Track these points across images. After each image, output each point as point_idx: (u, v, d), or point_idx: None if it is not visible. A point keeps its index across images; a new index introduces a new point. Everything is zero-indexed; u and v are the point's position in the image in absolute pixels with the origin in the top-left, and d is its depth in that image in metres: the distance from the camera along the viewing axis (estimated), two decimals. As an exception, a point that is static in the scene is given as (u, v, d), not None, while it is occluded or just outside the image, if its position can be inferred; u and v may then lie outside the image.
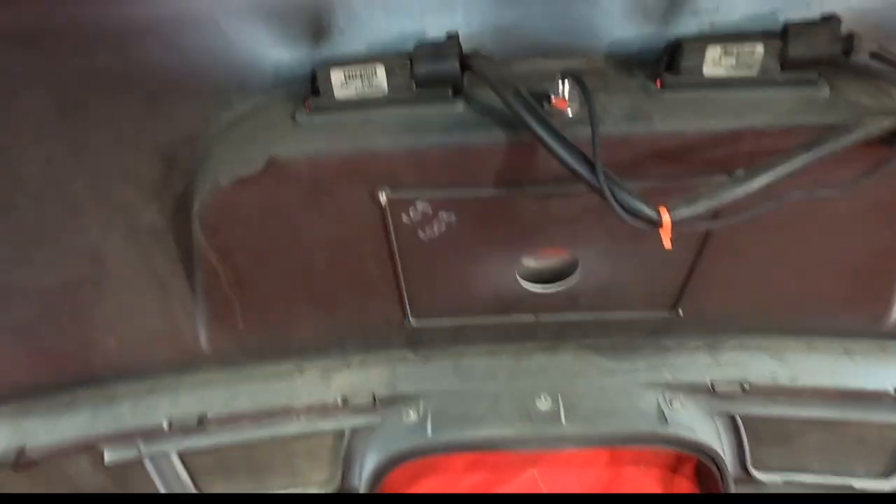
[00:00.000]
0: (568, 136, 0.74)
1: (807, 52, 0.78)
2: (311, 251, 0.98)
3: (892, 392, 1.15)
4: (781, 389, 1.17)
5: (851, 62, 0.83)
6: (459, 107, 0.83)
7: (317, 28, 0.82)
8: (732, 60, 0.80)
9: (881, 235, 0.95)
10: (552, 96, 0.80)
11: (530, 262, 1.08)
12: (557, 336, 1.28)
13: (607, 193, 0.70)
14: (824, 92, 0.81)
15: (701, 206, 0.71)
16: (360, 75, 0.81)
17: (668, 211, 0.71)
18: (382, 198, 0.86)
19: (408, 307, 1.09)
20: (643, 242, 0.94)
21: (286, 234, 0.94)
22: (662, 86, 0.82)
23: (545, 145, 0.74)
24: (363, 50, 0.86)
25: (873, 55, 0.80)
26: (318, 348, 1.24)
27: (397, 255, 0.97)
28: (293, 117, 0.83)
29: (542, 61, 0.90)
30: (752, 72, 0.81)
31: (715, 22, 0.85)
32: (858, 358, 1.21)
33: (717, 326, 1.23)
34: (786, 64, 0.79)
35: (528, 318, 1.13)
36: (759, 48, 0.79)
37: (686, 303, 1.09)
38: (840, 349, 1.23)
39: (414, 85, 0.82)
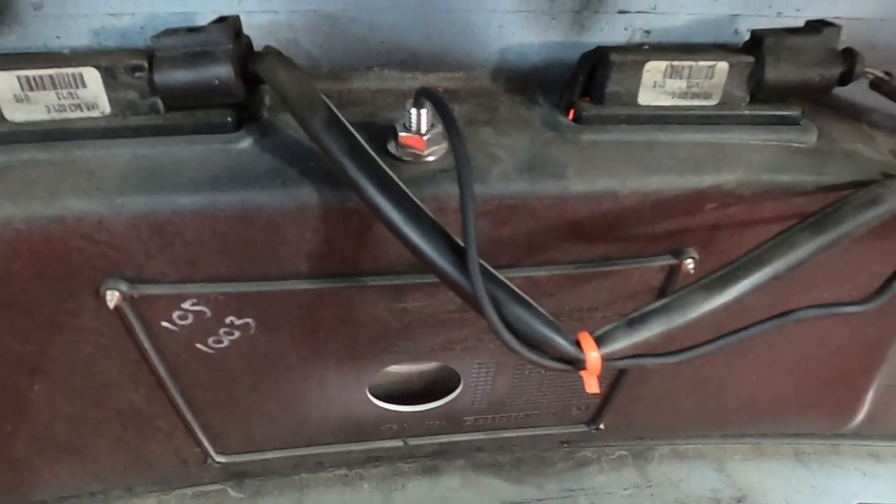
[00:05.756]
0: (422, 198, 0.41)
1: (790, 76, 0.50)
2: (31, 376, 0.58)
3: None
4: (728, 517, 0.90)
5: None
6: (244, 144, 0.48)
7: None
8: (682, 84, 0.51)
9: (866, 332, 0.70)
10: (400, 131, 0.47)
11: (395, 369, 0.74)
12: (441, 453, 0.94)
13: (489, 310, 0.38)
14: (811, 135, 0.54)
15: (649, 331, 0.39)
16: (55, 84, 0.45)
17: (598, 344, 0.39)
18: (111, 297, 0.49)
19: (205, 442, 0.71)
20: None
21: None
22: (577, 119, 0.52)
23: (378, 213, 0.40)
24: (77, 41, 0.50)
25: (875, 84, 0.54)
26: (85, 494, 0.83)
27: (167, 378, 0.59)
28: None
29: (397, 75, 0.58)
30: (711, 101, 0.52)
31: (651, 27, 0.57)
32: (813, 465, 0.97)
33: (648, 434, 0.94)
34: (759, 92, 0.52)
35: (392, 443, 0.78)
36: (723, 67, 0.51)
37: (610, 416, 0.79)
38: (791, 454, 0.99)
39: (161, 105, 0.46)
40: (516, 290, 0.40)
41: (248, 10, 0.52)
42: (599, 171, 0.48)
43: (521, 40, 0.57)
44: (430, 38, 0.55)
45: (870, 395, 0.84)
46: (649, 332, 0.39)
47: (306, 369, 0.62)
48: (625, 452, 0.97)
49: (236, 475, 0.89)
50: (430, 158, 0.48)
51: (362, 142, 0.42)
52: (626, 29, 0.57)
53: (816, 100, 0.58)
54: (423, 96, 0.44)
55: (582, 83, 0.53)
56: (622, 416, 0.80)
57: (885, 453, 0.99)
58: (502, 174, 0.47)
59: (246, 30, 0.51)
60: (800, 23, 0.56)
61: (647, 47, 0.53)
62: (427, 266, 0.40)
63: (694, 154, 0.51)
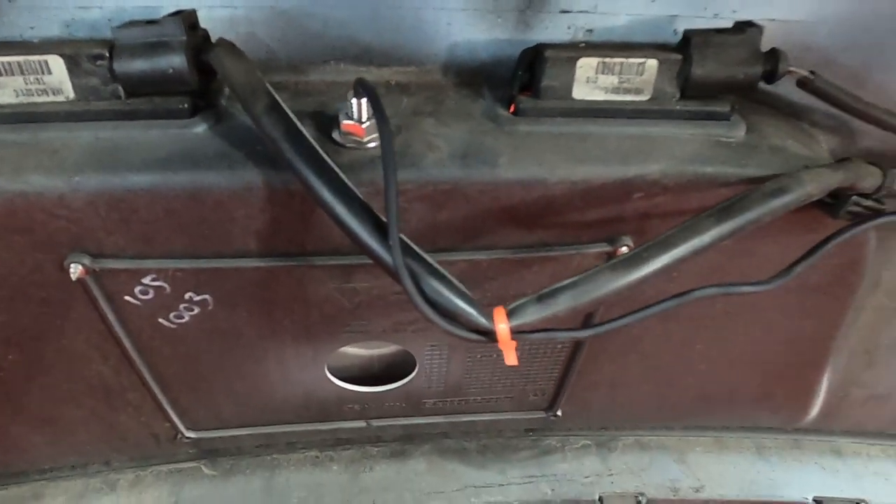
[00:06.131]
0: (360, 181, 0.45)
1: (716, 73, 0.53)
2: (3, 346, 0.62)
3: (812, 505, 0.93)
4: (685, 505, 0.92)
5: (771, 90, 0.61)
6: (199, 129, 0.51)
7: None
8: (614, 80, 0.54)
9: (807, 324, 0.72)
10: (342, 119, 0.50)
11: (354, 351, 0.77)
12: (408, 437, 0.97)
13: (406, 280, 0.41)
14: (739, 130, 0.57)
15: (557, 306, 0.43)
16: (22, 70, 0.48)
17: (508, 315, 0.42)
18: (74, 270, 0.52)
19: (174, 418, 0.75)
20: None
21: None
22: (516, 112, 0.55)
23: (312, 193, 0.44)
24: (49, 32, 0.53)
25: (802, 82, 0.56)
26: (65, 467, 0.86)
27: (132, 351, 0.63)
28: None
29: (352, 69, 0.61)
30: (643, 97, 0.55)
31: (594, 27, 0.60)
32: (773, 459, 0.99)
33: (610, 423, 0.97)
34: (688, 88, 0.55)
35: (355, 425, 0.82)
36: (652, 64, 0.54)
37: (567, 402, 0.82)
38: (752, 447, 1.01)
39: (121, 91, 0.50)
40: (435, 265, 0.43)
41: (209, 6, 0.55)
42: (530, 160, 0.52)
43: (469, 37, 0.60)
44: (382, 33, 0.58)
45: (822, 390, 0.87)
46: (557, 306, 0.42)
47: (265, 347, 0.66)
48: (589, 442, 1.00)
49: (210, 453, 0.93)
50: (371, 145, 0.51)
51: (299, 126, 0.46)
52: (569, 28, 0.60)
53: (748, 97, 0.61)
54: (359, 87, 0.48)
55: (521, 78, 0.56)
56: (579, 403, 0.83)
57: (846, 449, 1.01)
58: (437, 161, 0.50)
59: (207, 23, 0.55)
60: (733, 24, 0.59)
61: (583, 45, 0.56)
62: (354, 241, 0.43)
63: (623, 145, 0.54)
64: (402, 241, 0.42)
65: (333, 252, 0.55)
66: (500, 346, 0.43)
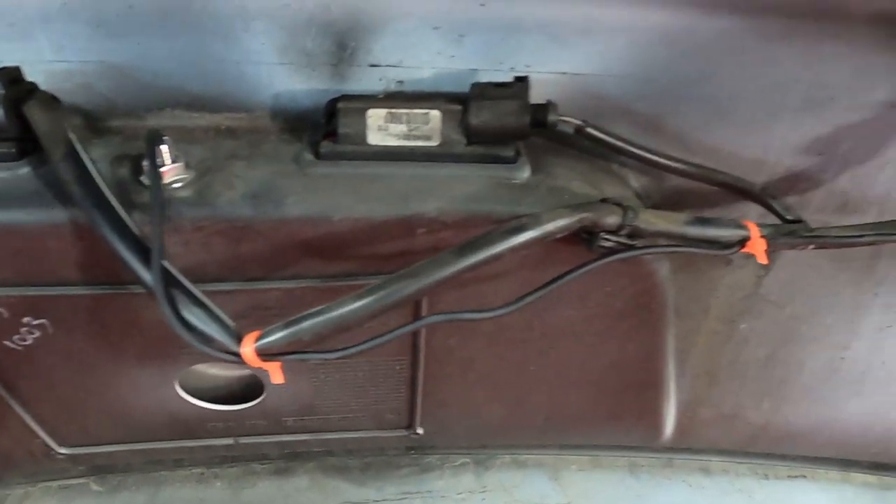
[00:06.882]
0: (168, 216, 0.51)
1: (491, 122, 0.60)
2: None
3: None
4: (550, 522, 0.97)
5: (562, 137, 0.68)
6: (23, 171, 0.58)
7: None
8: (404, 128, 0.61)
9: (629, 348, 0.78)
10: (145, 162, 0.57)
11: (216, 371, 0.82)
12: (294, 455, 1.02)
13: (164, 305, 0.47)
14: (523, 172, 0.63)
15: (302, 331, 0.48)
16: None
17: (259, 339, 0.48)
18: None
19: (42, 434, 0.80)
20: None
21: None
22: (319, 156, 0.62)
23: (96, 230, 0.50)
24: None
25: (577, 131, 0.63)
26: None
27: (-15, 371, 0.68)
28: None
29: (187, 115, 0.67)
30: (432, 142, 0.62)
31: (404, 78, 0.67)
32: (644, 477, 1.04)
33: (488, 441, 1.02)
34: (471, 135, 0.61)
35: (224, 441, 0.86)
36: (436, 114, 0.61)
37: (425, 421, 0.87)
38: (626, 465, 1.06)
39: (-48, 137, 0.57)
40: (196, 292, 0.49)
41: (46, 60, 0.62)
42: (318, 199, 0.58)
43: (291, 87, 0.66)
44: (209, 84, 0.65)
45: (670, 410, 0.92)
46: (303, 330, 0.48)
47: (112, 368, 0.71)
48: (467, 460, 1.05)
49: (98, 469, 0.97)
50: (176, 185, 0.57)
51: (91, 171, 0.52)
52: (381, 79, 0.66)
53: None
54: (151, 136, 0.54)
55: (325, 126, 0.62)
56: (436, 422, 0.88)
57: (715, 468, 1.06)
58: (230, 200, 0.57)
59: (43, 76, 0.61)
60: (530, 77, 0.66)
61: (381, 96, 0.63)
62: (129, 271, 0.49)
63: (409, 186, 0.60)
64: (166, 271, 0.48)
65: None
66: (252, 365, 0.48)
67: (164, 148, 0.56)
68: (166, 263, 0.49)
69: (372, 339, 0.51)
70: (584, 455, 1.05)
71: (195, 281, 0.60)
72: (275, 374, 0.51)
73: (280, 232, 0.58)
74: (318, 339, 0.49)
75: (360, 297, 0.49)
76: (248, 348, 0.47)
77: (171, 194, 0.57)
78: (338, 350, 0.50)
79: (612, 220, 0.56)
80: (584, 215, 0.54)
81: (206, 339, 0.48)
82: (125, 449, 0.86)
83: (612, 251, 0.57)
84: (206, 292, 0.60)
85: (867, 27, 0.63)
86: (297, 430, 0.87)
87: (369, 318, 0.49)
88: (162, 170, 0.56)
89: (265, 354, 0.48)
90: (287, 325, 0.48)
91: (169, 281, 0.48)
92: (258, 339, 0.48)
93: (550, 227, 0.53)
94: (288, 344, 0.48)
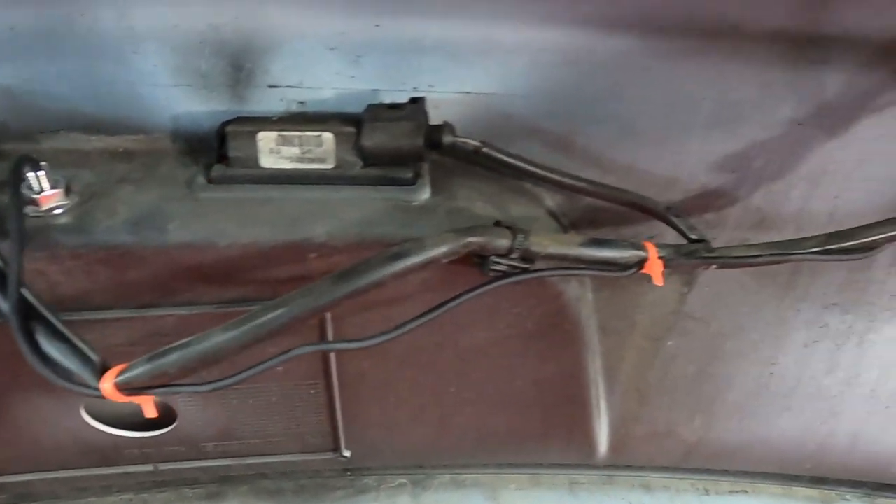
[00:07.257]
0: (37, 248, 0.49)
1: (385, 144, 0.59)
2: None
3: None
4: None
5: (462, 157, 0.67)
6: None
7: None
8: (297, 150, 0.60)
9: (548, 367, 0.77)
10: (25, 191, 0.55)
11: (132, 398, 0.80)
12: (226, 479, 1.00)
13: (17, 332, 0.45)
14: (422, 194, 0.62)
15: (166, 364, 0.47)
16: None
17: (122, 374, 0.47)
18: None
19: (-50, 465, 0.77)
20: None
21: None
22: (210, 179, 0.60)
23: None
24: None
25: (477, 151, 0.62)
26: None
27: None
28: None
29: (84, 137, 0.66)
30: (327, 165, 0.61)
31: (305, 99, 0.66)
32: (583, 495, 1.03)
33: (419, 462, 1.00)
34: (366, 157, 0.60)
35: (144, 468, 0.84)
36: (328, 136, 0.60)
37: (350, 444, 0.85)
38: (566, 484, 1.04)
39: None
40: (59, 326, 0.47)
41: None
42: (203, 225, 0.57)
43: (190, 109, 0.65)
44: (103, 106, 0.64)
45: (602, 427, 0.91)
46: (166, 363, 0.47)
47: (13, 396, 0.69)
48: (405, 481, 1.03)
49: (24, 498, 0.95)
50: (57, 212, 0.56)
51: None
52: (281, 100, 0.65)
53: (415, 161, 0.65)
54: (18, 160, 0.53)
55: (218, 149, 0.61)
56: (363, 444, 0.86)
57: (656, 484, 1.05)
58: (109, 227, 0.55)
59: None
60: (433, 97, 0.65)
61: (275, 118, 0.62)
62: (-9, 306, 0.48)
63: (300, 209, 0.59)
64: (26, 303, 0.47)
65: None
66: (114, 400, 0.47)
67: (41, 173, 0.54)
68: (26, 293, 0.47)
69: (241, 371, 0.49)
70: (523, 474, 1.04)
71: (81, 309, 0.58)
72: (147, 408, 0.49)
73: (165, 258, 0.57)
74: (185, 373, 0.47)
75: (227, 329, 0.48)
76: (107, 384, 0.46)
77: (48, 221, 0.55)
78: (209, 383, 0.49)
79: (501, 243, 0.55)
80: (470, 239, 0.53)
81: (65, 373, 0.46)
82: (40, 478, 0.84)
83: (505, 274, 0.56)
84: (94, 320, 0.59)
85: (767, 45, 0.62)
86: (218, 456, 0.85)
87: (240, 349, 0.48)
88: (40, 196, 0.55)
89: (128, 389, 0.47)
90: (150, 359, 0.47)
91: (30, 312, 0.47)
92: (120, 373, 0.46)
93: (434, 252, 0.52)
94: (151, 378, 0.47)
